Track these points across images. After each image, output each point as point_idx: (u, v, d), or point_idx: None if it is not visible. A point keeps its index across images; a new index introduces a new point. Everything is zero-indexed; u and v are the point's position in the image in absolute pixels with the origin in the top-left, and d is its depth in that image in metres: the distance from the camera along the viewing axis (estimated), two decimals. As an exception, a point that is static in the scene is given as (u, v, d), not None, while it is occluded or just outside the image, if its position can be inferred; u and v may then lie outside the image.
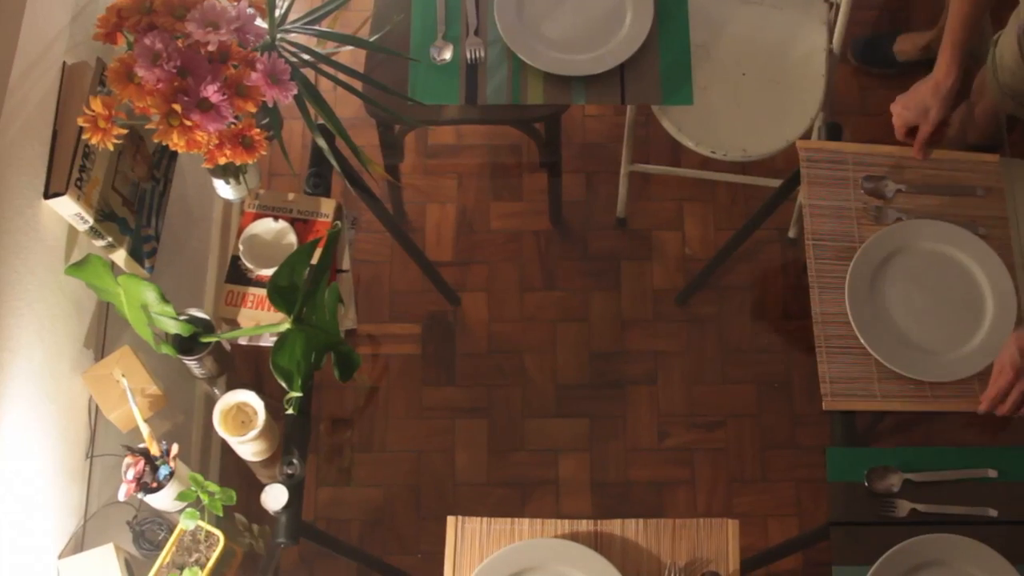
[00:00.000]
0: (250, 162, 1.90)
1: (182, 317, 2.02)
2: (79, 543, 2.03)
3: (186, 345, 2.04)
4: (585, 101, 2.43)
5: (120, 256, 2.10)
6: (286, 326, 1.94)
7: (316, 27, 2.11)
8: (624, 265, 3.08)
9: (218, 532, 1.96)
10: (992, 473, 2.08)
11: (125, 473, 1.94)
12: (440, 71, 2.43)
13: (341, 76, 2.11)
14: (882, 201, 2.27)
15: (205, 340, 2.03)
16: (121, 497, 1.94)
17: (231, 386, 2.10)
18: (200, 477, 1.96)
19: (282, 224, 2.15)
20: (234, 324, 2.11)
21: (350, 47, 2.22)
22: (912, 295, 2.21)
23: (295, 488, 2.02)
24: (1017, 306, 2.19)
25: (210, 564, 1.94)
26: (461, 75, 2.43)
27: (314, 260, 2.00)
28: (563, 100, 2.43)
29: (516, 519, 2.08)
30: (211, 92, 1.80)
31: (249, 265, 2.11)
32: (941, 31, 3.10)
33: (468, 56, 2.43)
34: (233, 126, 1.86)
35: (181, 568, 1.94)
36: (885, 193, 2.27)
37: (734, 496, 2.85)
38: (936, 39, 3.11)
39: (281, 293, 1.93)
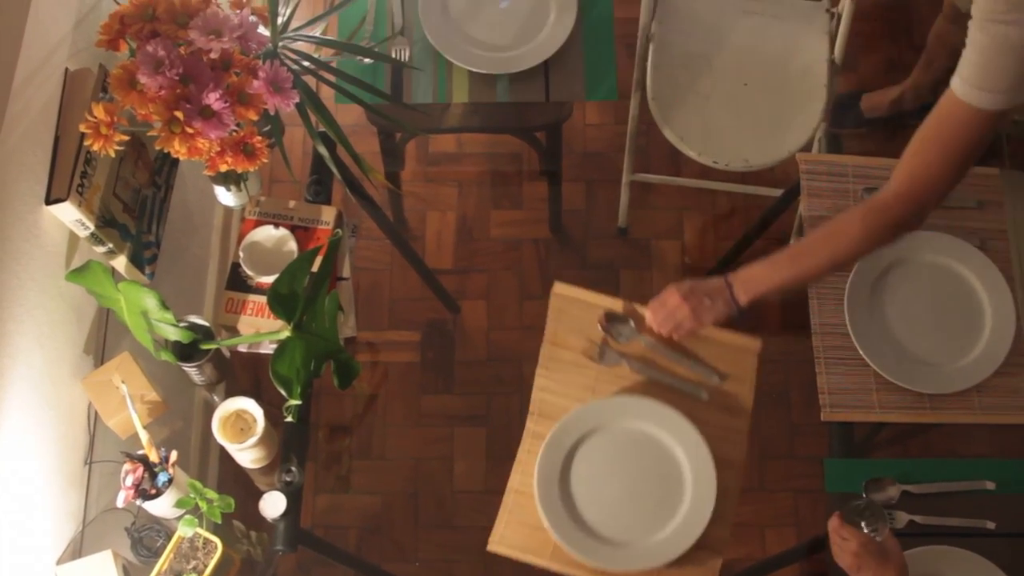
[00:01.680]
0: (251, 169, 1.90)
1: (182, 324, 2.02)
2: (77, 549, 2.03)
3: (186, 352, 2.05)
4: (509, 98, 2.45)
5: (121, 262, 2.10)
6: (286, 334, 1.94)
7: (317, 35, 2.12)
8: (624, 274, 3.08)
9: (216, 539, 1.96)
10: (990, 485, 2.08)
11: (124, 479, 1.94)
12: (365, 72, 2.44)
13: (342, 84, 2.12)
14: None
15: (205, 347, 2.04)
16: (120, 503, 1.94)
17: (230, 393, 2.10)
18: (199, 484, 1.96)
19: (283, 231, 2.15)
20: (234, 331, 2.11)
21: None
22: (911, 307, 2.21)
23: (293, 495, 2.02)
24: (1016, 318, 2.19)
25: (208, 571, 1.94)
26: (387, 75, 2.45)
27: (314, 268, 2.00)
28: (488, 98, 2.46)
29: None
30: (213, 99, 1.81)
31: (249, 272, 2.11)
32: (913, 85, 3.12)
33: (394, 56, 2.44)
34: (235, 133, 1.86)
35: (179, 575, 1.94)
36: (885, 205, 2.27)
37: (732, 506, 2.85)
38: (907, 92, 3.13)
39: (281, 301, 1.93)
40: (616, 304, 2.20)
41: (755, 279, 2.04)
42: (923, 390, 2.14)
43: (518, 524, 2.07)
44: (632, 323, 2.17)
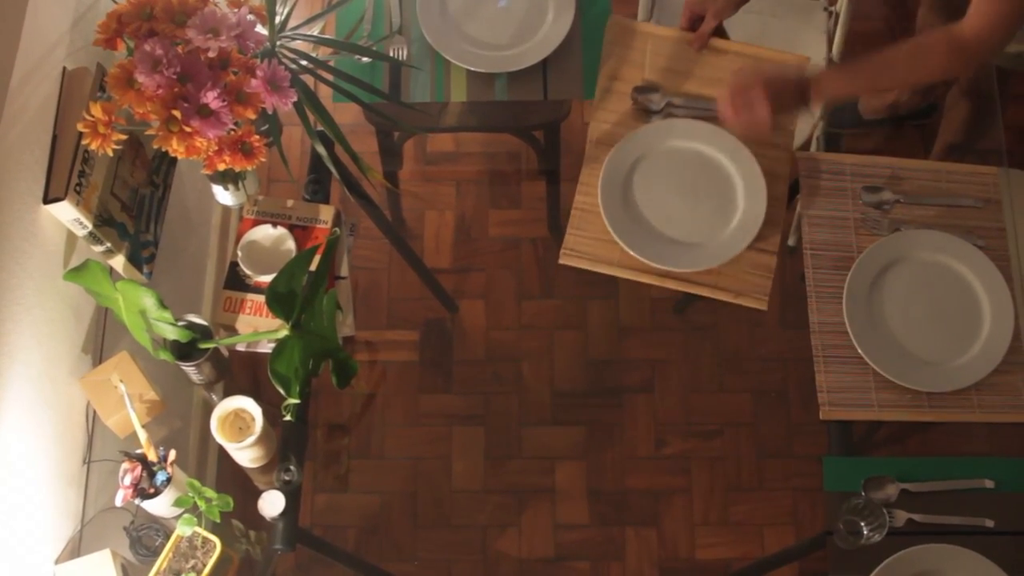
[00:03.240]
0: (249, 168, 1.90)
1: (180, 323, 2.02)
2: (76, 548, 2.03)
3: (184, 351, 2.04)
4: (508, 97, 2.45)
5: (119, 261, 2.10)
6: (284, 333, 1.94)
7: (315, 34, 2.12)
8: (622, 273, 3.08)
9: (215, 538, 1.96)
10: (989, 483, 2.08)
11: (122, 479, 1.93)
12: (363, 71, 2.44)
13: (340, 83, 2.12)
14: (880, 211, 2.27)
15: (203, 346, 2.03)
16: (118, 503, 1.94)
17: (229, 392, 2.10)
18: (197, 483, 1.96)
19: (281, 230, 2.15)
20: (232, 330, 2.11)
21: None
22: (909, 305, 2.21)
23: (292, 494, 2.02)
24: (1014, 316, 2.19)
25: (207, 570, 1.94)
26: (385, 74, 2.45)
27: (313, 267, 2.00)
28: (486, 97, 2.45)
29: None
30: (211, 98, 1.80)
31: (247, 271, 2.11)
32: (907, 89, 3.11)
33: (392, 55, 2.44)
34: (233, 132, 1.86)
35: (178, 574, 1.94)
36: (883, 204, 2.27)
37: (731, 505, 2.85)
38: (903, 95, 3.12)
39: (279, 300, 1.93)
40: (669, 32, 2.39)
41: (833, 86, 2.17)
42: (922, 388, 2.13)
43: (584, 238, 2.24)
44: (661, 89, 2.31)
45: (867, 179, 2.29)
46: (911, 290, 2.22)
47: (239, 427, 2.02)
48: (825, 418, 2.15)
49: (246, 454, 2.03)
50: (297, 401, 1.96)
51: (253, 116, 1.86)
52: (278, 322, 1.97)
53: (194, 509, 1.95)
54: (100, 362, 2.11)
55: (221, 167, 1.88)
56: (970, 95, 2.95)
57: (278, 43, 2.03)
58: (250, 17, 1.89)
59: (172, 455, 1.95)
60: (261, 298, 2.09)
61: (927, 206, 2.28)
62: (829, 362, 2.17)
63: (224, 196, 2.23)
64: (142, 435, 1.94)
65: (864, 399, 2.15)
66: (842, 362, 2.17)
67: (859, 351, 2.15)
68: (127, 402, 1.95)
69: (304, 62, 2.06)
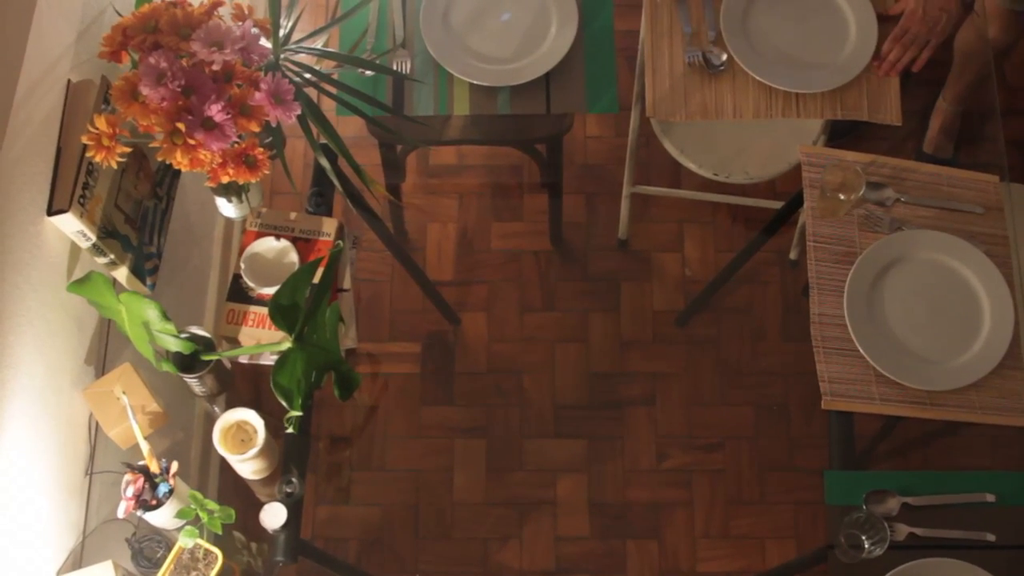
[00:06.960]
0: (253, 181, 1.90)
1: (183, 335, 2.03)
2: (77, 560, 2.03)
3: (187, 363, 2.05)
4: (511, 110, 2.45)
5: (122, 273, 2.11)
6: (287, 345, 1.95)
7: (319, 47, 2.13)
8: (624, 286, 3.08)
9: (217, 550, 1.96)
10: (990, 498, 2.08)
11: (124, 490, 1.94)
12: (366, 84, 2.44)
13: (344, 96, 2.13)
14: (882, 209, 2.27)
15: (206, 358, 2.04)
16: (120, 514, 1.94)
17: (231, 404, 2.10)
18: (199, 495, 1.96)
19: (284, 243, 2.16)
20: (235, 342, 2.11)
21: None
22: (910, 303, 2.21)
23: (294, 507, 2.02)
24: (1014, 321, 2.18)
25: (208, 582, 1.94)
26: (388, 88, 2.45)
27: (316, 279, 2.01)
28: (489, 110, 2.46)
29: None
30: (215, 111, 1.81)
31: (250, 284, 2.12)
32: None
33: (395, 68, 2.45)
34: (236, 145, 1.87)
35: (179, 586, 1.94)
36: (884, 201, 2.27)
37: (732, 518, 2.85)
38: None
39: (282, 312, 1.93)
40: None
41: None
42: (918, 386, 2.13)
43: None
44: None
45: (870, 176, 2.29)
46: (912, 289, 2.21)
47: (241, 439, 2.02)
48: (827, 407, 2.14)
49: (248, 466, 2.04)
50: (299, 413, 1.96)
51: (257, 129, 1.86)
52: (281, 334, 1.97)
53: (196, 521, 1.95)
54: (103, 374, 2.11)
55: (225, 180, 1.88)
56: (955, 104, 2.97)
57: (282, 56, 2.04)
58: (254, 30, 1.90)
59: (174, 467, 1.96)
60: (264, 310, 2.10)
61: (928, 208, 2.28)
62: (830, 353, 2.17)
63: (227, 208, 2.23)
64: (144, 447, 1.94)
65: (865, 391, 2.14)
66: (842, 354, 2.16)
67: (857, 345, 2.15)
68: (129, 414, 1.95)
69: (308, 75, 2.07)
